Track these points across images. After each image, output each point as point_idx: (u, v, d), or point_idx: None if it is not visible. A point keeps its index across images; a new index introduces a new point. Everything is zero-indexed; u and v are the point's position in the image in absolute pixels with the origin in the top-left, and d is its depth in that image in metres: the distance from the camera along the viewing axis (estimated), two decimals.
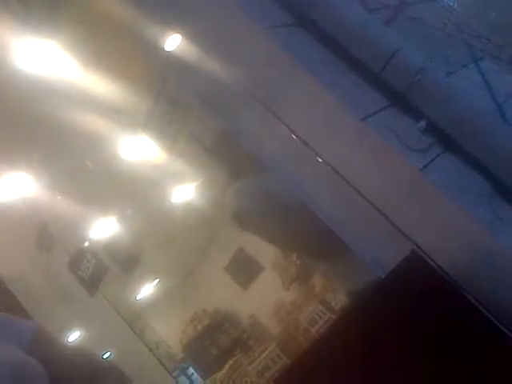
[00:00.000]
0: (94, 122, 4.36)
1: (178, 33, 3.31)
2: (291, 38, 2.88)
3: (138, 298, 10.45)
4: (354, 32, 2.87)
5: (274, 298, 10.52)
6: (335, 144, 2.57)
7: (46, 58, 4.13)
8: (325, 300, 9.18)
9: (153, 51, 3.45)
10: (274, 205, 2.98)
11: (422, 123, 2.63)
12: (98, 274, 5.21)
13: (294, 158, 2.69)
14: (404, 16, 3.56)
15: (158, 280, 10.70)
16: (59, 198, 5.16)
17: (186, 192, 7.55)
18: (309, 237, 3.14)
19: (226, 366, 9.26)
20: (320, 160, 2.49)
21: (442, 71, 3.02)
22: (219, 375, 9.26)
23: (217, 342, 11.21)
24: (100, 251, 5.96)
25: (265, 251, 10.35)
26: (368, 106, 2.61)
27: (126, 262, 6.57)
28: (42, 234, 5.51)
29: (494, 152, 2.67)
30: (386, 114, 2.64)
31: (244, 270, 11.25)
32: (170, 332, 11.51)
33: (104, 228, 6.47)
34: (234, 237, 10.26)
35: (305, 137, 2.57)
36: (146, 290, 10.69)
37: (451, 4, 4.49)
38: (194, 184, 7.29)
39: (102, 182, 5.53)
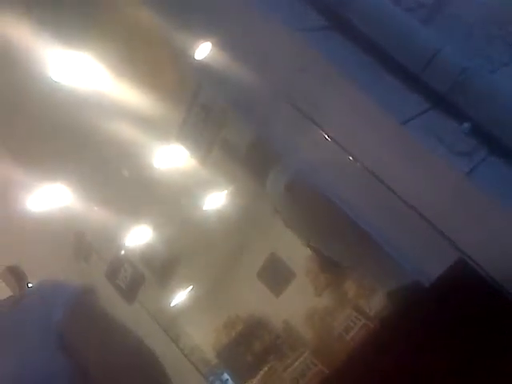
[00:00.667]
0: (128, 132, 4.39)
1: (209, 40, 3.30)
2: (326, 40, 2.82)
3: (172, 305, 10.51)
4: (391, 33, 2.79)
5: (307, 304, 10.45)
6: (375, 148, 2.48)
7: (79, 70, 4.18)
8: (359, 306, 9.06)
9: (185, 59, 3.44)
10: (313, 198, 2.89)
11: (466, 125, 2.53)
12: (136, 282, 5.22)
13: (331, 163, 2.62)
14: (441, 14, 3.44)
15: (191, 287, 10.76)
16: (95, 207, 5.22)
17: (219, 199, 7.56)
18: (345, 239, 3.07)
19: (261, 373, 9.21)
20: (359, 165, 2.42)
21: (485, 71, 2.90)
22: (254, 382, 9.22)
23: (251, 347, 11.18)
24: (136, 260, 6.00)
25: (297, 257, 10.30)
26: (408, 109, 2.53)
27: (162, 269, 6.61)
28: (80, 244, 5.58)
29: None
30: (428, 117, 2.54)
31: (276, 276, 11.22)
32: (204, 338, 11.55)
33: (139, 236, 6.52)
34: (265, 243, 10.23)
35: (342, 142, 2.49)
36: (180, 297, 10.76)
37: (489, 0, 4.32)
38: (227, 191, 7.30)
39: (137, 191, 5.58)
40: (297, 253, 10.03)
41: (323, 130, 2.48)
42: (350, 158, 2.37)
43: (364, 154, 2.47)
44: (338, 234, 3.02)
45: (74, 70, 4.18)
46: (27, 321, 1.31)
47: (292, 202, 3.03)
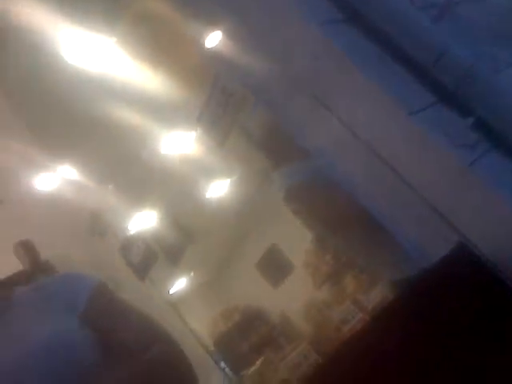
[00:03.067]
0: (148, 115, 4.52)
1: (231, 28, 3.43)
2: (341, 33, 2.96)
3: (171, 292, 10.61)
4: (404, 28, 2.93)
5: (305, 297, 10.54)
6: (385, 137, 2.64)
7: (103, 55, 4.30)
8: (357, 300, 9.15)
9: (205, 45, 3.59)
10: (321, 190, 3.03)
11: (470, 119, 2.68)
12: (148, 260, 5.36)
13: (342, 149, 2.78)
14: (451, 14, 3.58)
15: (191, 274, 10.89)
16: (110, 187, 5.35)
17: (226, 186, 7.68)
18: (351, 226, 3.21)
19: (258, 362, 9.34)
20: (369, 152, 2.57)
21: (491, 69, 3.04)
22: (251, 371, 9.36)
23: (247, 338, 11.30)
24: (148, 239, 6.15)
25: (297, 250, 10.40)
26: (417, 102, 2.68)
27: (171, 253, 6.75)
28: (95, 221, 5.71)
29: None
30: (435, 110, 2.69)
31: (275, 267, 11.31)
32: (201, 326, 11.65)
33: (149, 219, 6.65)
34: (267, 234, 10.36)
35: (354, 129, 2.65)
36: (180, 284, 10.87)
37: (500, 2, 4.44)
38: (235, 178, 7.42)
39: (153, 175, 5.71)
40: (297, 245, 10.14)
41: (337, 117, 2.63)
42: (360, 142, 2.52)
43: (373, 141, 2.62)
44: (346, 223, 3.15)
45: (98, 54, 4.30)
46: (51, 302, 1.45)
47: (289, 202, 3.17)
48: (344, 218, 3.15)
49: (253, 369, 9.42)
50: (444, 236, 2.53)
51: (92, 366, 1.32)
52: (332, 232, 3.61)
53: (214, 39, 3.55)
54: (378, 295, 8.37)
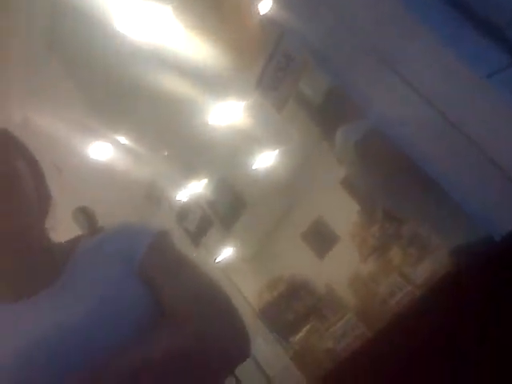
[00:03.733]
0: (202, 86, 4.50)
1: None
2: None
3: (217, 261, 10.76)
4: None
5: (351, 269, 10.45)
6: (456, 101, 2.53)
7: (159, 22, 4.29)
8: (404, 273, 9.00)
9: (263, 11, 3.51)
10: (380, 147, 2.93)
11: None
12: (203, 226, 5.48)
13: (409, 114, 2.69)
14: None
15: (238, 244, 11.01)
16: (166, 153, 5.44)
17: (278, 156, 7.66)
18: (414, 193, 3.12)
19: (304, 330, 9.44)
20: (439, 116, 2.47)
21: None
22: (297, 338, 9.47)
23: (293, 307, 11.39)
24: (203, 205, 6.27)
25: (344, 221, 10.31)
26: (492, 64, 2.54)
27: (226, 219, 6.85)
28: (151, 189, 5.85)
29: None
30: (510, 72, 2.56)
31: (321, 238, 11.27)
32: (247, 294, 11.79)
33: (202, 187, 6.74)
34: (314, 205, 10.30)
35: (423, 92, 2.55)
36: (226, 253, 11.00)
37: None
38: (288, 147, 7.39)
39: (205, 143, 5.76)
40: (344, 217, 10.06)
41: (405, 82, 2.54)
42: (430, 106, 2.43)
43: (444, 105, 2.52)
44: (408, 188, 3.07)
45: (155, 21, 4.30)
46: (109, 252, 1.46)
47: (362, 154, 3.09)
48: (405, 182, 3.05)
49: (299, 336, 9.51)
50: None
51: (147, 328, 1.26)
52: (391, 196, 3.52)
53: (272, 4, 3.47)
54: (426, 268, 8.22)
